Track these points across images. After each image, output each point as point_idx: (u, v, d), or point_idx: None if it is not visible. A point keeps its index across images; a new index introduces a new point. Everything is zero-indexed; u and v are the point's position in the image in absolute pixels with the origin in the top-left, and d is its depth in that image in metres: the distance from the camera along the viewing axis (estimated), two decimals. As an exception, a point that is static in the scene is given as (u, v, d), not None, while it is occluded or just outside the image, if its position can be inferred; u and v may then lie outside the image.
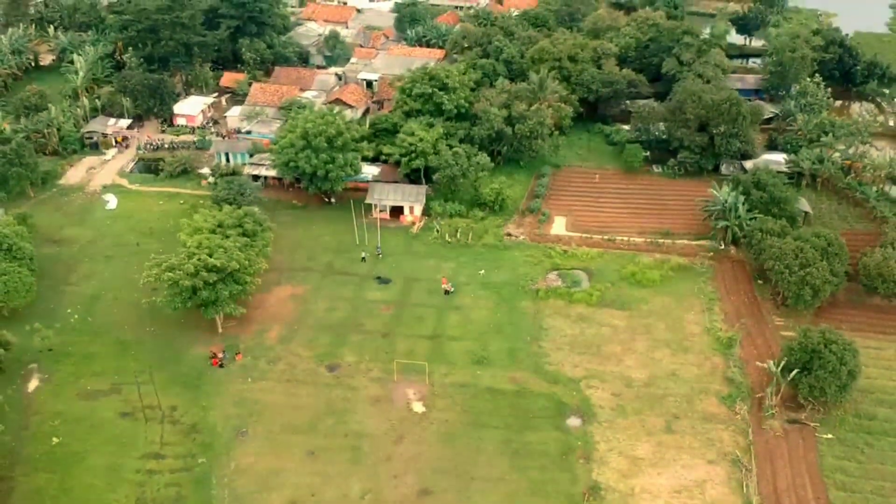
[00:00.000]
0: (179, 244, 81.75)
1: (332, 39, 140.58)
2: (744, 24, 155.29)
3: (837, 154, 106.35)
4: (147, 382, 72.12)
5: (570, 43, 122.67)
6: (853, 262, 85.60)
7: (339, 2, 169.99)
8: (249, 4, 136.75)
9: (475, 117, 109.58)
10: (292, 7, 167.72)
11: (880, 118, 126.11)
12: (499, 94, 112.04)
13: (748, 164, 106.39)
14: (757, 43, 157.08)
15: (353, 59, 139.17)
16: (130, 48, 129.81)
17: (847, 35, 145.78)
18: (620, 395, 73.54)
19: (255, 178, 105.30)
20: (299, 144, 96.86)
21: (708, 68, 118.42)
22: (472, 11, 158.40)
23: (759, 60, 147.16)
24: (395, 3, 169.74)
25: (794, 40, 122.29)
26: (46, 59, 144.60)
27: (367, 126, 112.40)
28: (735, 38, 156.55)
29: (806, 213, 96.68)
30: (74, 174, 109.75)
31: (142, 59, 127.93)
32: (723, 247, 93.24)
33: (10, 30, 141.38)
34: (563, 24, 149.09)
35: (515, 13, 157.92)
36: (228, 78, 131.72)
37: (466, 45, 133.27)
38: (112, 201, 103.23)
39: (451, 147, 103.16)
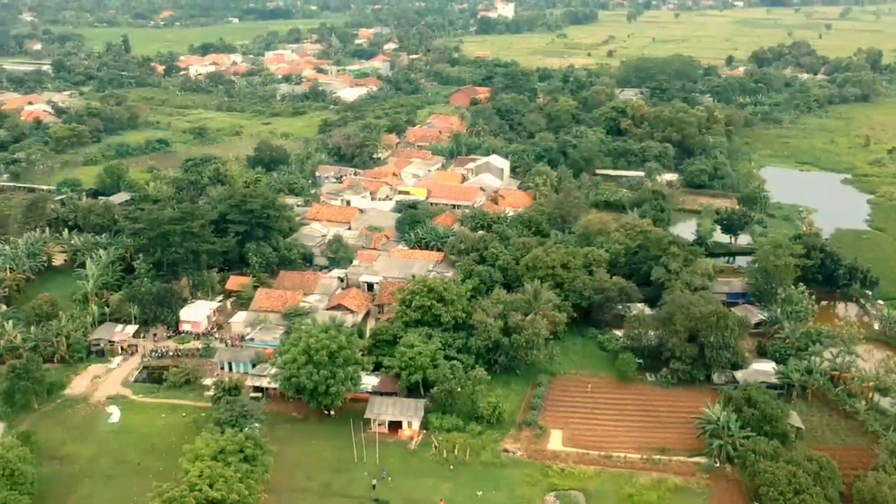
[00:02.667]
0: (181, 470, 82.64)
1: (336, 243, 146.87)
2: (729, 224, 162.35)
3: (826, 364, 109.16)
4: None
5: (562, 252, 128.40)
6: (847, 482, 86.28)
7: (342, 202, 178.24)
8: (258, 211, 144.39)
9: (473, 327, 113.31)
10: (298, 205, 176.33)
11: (865, 319, 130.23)
12: (495, 304, 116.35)
13: (739, 375, 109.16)
14: (743, 240, 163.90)
15: (355, 262, 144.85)
16: (141, 254, 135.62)
17: (827, 238, 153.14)
18: None
19: (257, 388, 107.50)
20: (301, 360, 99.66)
21: (695, 277, 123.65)
22: (468, 212, 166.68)
23: (745, 259, 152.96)
24: (396, 202, 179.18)
25: (777, 249, 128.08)
26: (59, 260, 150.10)
27: (368, 335, 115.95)
28: (721, 236, 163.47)
29: (798, 428, 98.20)
30: (79, 383, 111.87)
31: (151, 265, 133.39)
32: (718, 465, 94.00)
33: (26, 234, 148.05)
34: (556, 225, 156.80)
35: (510, 213, 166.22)
36: (234, 282, 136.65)
37: (463, 249, 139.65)
38: (115, 414, 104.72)
39: (448, 359, 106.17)
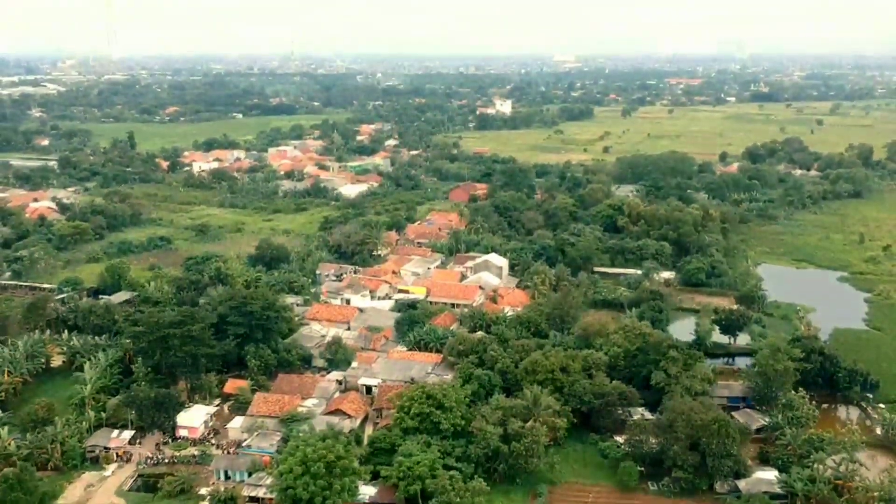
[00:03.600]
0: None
1: (335, 345, 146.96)
2: (727, 325, 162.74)
3: (829, 472, 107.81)
4: None
5: (561, 355, 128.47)
6: None
7: (342, 300, 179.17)
8: (258, 313, 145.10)
9: (472, 434, 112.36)
10: (298, 304, 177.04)
11: (867, 423, 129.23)
12: (494, 410, 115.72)
13: (742, 484, 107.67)
14: (742, 340, 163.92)
15: (354, 364, 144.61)
16: (140, 357, 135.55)
17: (826, 341, 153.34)
18: None
19: (254, 499, 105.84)
20: (298, 471, 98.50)
21: (695, 382, 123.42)
22: (467, 311, 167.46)
23: (745, 360, 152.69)
24: (396, 301, 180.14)
25: (776, 353, 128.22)
26: (57, 361, 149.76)
27: (366, 441, 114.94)
28: (720, 336, 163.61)
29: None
30: (73, 493, 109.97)
31: (149, 368, 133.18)
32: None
33: (26, 336, 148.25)
34: (554, 326, 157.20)
35: (509, 312, 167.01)
36: (232, 385, 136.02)
37: (462, 350, 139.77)
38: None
39: (448, 468, 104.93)
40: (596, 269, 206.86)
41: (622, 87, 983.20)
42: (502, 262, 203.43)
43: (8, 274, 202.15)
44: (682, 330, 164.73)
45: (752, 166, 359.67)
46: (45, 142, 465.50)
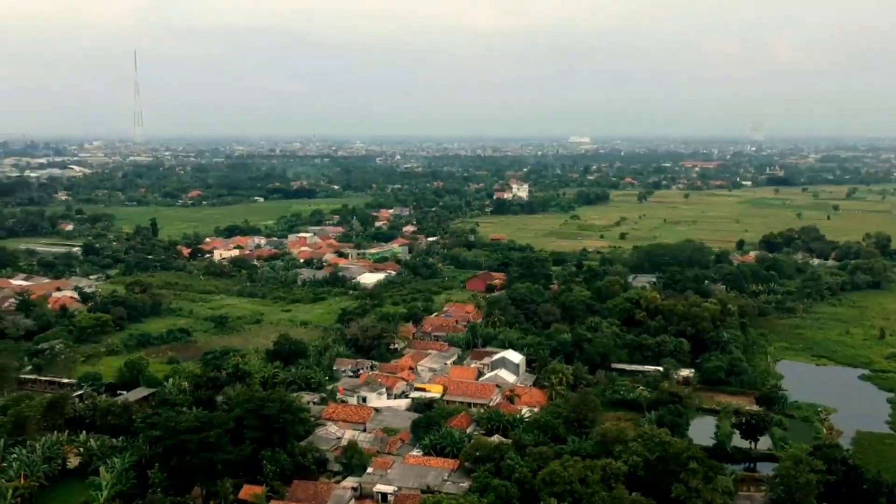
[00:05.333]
0: None
1: (350, 450, 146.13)
2: (748, 429, 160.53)
3: None
4: None
5: (579, 465, 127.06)
6: None
7: (358, 398, 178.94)
8: (274, 416, 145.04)
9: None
10: (314, 402, 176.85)
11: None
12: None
13: None
14: (763, 444, 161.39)
15: (369, 469, 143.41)
16: (156, 462, 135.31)
17: (849, 448, 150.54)
18: None
19: None
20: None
21: (717, 495, 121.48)
22: (483, 412, 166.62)
23: (767, 465, 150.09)
24: (412, 399, 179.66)
25: (797, 466, 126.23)
26: (74, 462, 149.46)
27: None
28: (740, 440, 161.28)
29: None
30: None
31: (165, 474, 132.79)
32: None
33: (44, 437, 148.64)
34: (572, 430, 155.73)
35: (526, 413, 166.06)
36: (247, 491, 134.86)
37: (479, 456, 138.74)
38: None
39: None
40: (614, 365, 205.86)
41: (637, 170, 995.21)
42: (519, 358, 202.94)
43: (29, 367, 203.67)
44: (703, 432, 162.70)
45: (769, 255, 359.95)
46: (70, 226, 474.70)
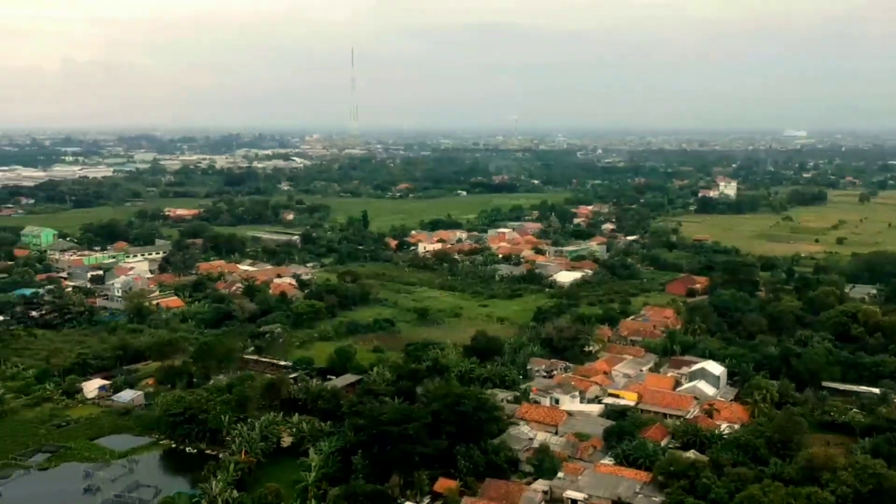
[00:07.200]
0: None
1: (542, 453, 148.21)
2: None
3: None
4: None
5: (782, 492, 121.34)
6: None
7: (550, 400, 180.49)
8: (470, 412, 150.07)
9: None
10: (508, 401, 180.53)
11: None
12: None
13: None
14: None
15: (560, 474, 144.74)
16: (360, 449, 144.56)
17: None
18: None
19: None
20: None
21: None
22: (680, 425, 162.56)
23: None
24: (606, 405, 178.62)
25: None
26: (287, 441, 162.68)
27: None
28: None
29: None
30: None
31: (367, 461, 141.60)
32: None
33: (262, 417, 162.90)
34: (775, 451, 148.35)
35: (725, 429, 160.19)
36: (442, 484, 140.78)
37: (673, 472, 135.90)
38: None
39: None
40: (824, 383, 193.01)
41: (860, 168, 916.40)
42: (720, 370, 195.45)
43: (251, 349, 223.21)
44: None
45: None
46: (291, 216, 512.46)
